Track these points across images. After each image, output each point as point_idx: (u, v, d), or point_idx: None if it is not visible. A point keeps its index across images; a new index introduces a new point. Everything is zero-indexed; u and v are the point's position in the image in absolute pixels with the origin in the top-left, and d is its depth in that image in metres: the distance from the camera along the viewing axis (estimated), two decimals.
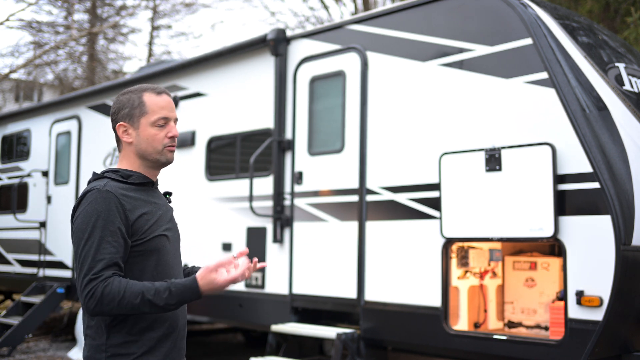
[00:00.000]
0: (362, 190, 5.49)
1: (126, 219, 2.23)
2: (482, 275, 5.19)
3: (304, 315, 5.99)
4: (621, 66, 4.82)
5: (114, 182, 2.29)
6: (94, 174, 2.37)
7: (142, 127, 2.36)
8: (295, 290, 5.93)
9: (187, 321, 2.49)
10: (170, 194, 2.54)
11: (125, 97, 2.39)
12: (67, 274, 8.58)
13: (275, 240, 6.08)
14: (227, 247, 6.55)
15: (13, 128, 10.37)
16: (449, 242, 4.86)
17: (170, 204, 2.50)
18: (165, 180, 7.90)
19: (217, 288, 2.19)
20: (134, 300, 2.12)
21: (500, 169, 4.56)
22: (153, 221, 2.30)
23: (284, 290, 6.03)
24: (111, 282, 2.13)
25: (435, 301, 4.88)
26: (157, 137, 2.37)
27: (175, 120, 2.44)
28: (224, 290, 2.22)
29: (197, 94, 7.16)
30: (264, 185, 6.26)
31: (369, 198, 5.44)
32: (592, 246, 4.16)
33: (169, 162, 2.42)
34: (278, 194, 6.12)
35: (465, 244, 4.99)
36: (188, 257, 2.54)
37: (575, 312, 4.20)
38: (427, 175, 5.05)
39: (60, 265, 8.73)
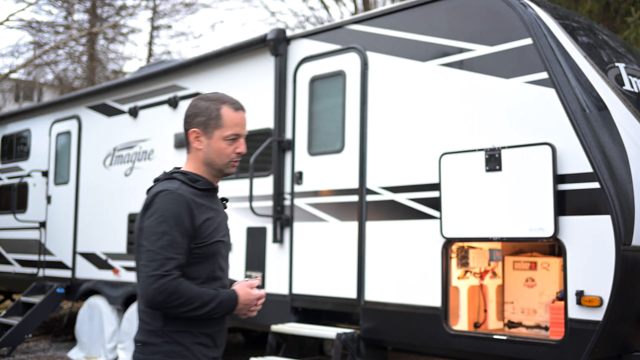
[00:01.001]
0: (362, 190, 5.49)
1: (193, 222, 2.36)
2: (482, 275, 5.19)
3: (304, 315, 5.99)
4: (621, 66, 4.82)
5: (184, 186, 2.41)
6: (164, 173, 2.50)
7: (214, 138, 2.47)
8: (295, 290, 5.93)
9: None
10: (226, 200, 2.65)
11: (204, 104, 2.48)
12: (67, 274, 8.59)
13: (275, 240, 6.08)
14: None
15: (13, 128, 10.36)
16: (449, 242, 4.86)
17: (225, 212, 2.62)
18: None
19: (252, 300, 2.43)
20: (193, 302, 2.29)
21: (500, 169, 4.55)
22: (214, 227, 2.43)
23: (284, 290, 6.03)
24: (181, 282, 2.28)
25: (435, 301, 4.88)
26: (226, 151, 2.47)
27: (245, 136, 2.53)
28: (249, 309, 2.46)
29: (197, 94, 7.15)
30: (264, 185, 6.26)
31: (369, 198, 5.44)
32: (592, 246, 4.16)
33: (230, 174, 2.54)
34: (278, 194, 6.12)
35: (465, 244, 4.99)
36: None
37: (575, 312, 4.20)
38: (427, 175, 5.04)
39: (60, 265, 8.73)
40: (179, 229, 2.31)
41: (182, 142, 7.11)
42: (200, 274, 2.38)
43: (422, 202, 5.06)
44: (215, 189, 2.53)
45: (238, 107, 2.50)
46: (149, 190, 2.50)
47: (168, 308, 2.27)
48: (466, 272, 5.08)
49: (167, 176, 2.47)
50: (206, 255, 2.40)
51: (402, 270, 5.15)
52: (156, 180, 2.51)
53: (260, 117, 6.44)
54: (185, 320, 2.35)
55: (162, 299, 2.25)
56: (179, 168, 2.53)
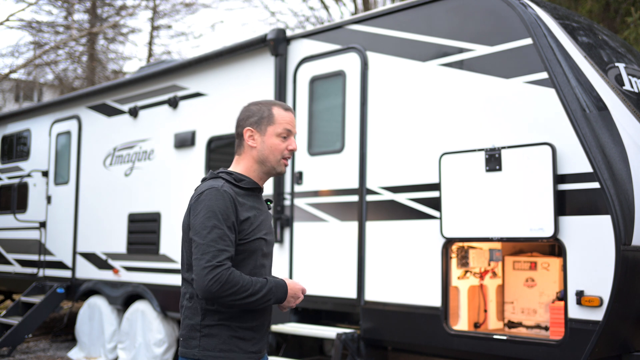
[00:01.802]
0: (362, 190, 5.49)
1: (237, 218, 2.47)
2: (482, 275, 5.19)
3: (304, 315, 5.99)
4: (621, 66, 4.82)
5: (228, 184, 2.53)
6: (211, 172, 2.63)
7: (267, 135, 2.61)
8: None
9: None
10: (271, 201, 2.77)
11: (256, 107, 2.65)
12: (67, 274, 8.59)
13: (275, 240, 6.08)
14: None
15: (13, 128, 10.36)
16: (449, 242, 4.86)
17: (270, 212, 2.73)
18: (165, 181, 7.85)
19: (298, 290, 2.56)
20: (246, 290, 2.38)
21: (500, 169, 4.56)
22: (255, 225, 2.53)
23: None
24: (233, 272, 2.38)
25: (435, 301, 4.88)
26: (279, 147, 2.62)
27: (295, 135, 2.67)
28: (296, 299, 2.57)
29: (197, 94, 7.16)
30: (264, 185, 6.24)
31: (369, 198, 5.44)
32: (592, 246, 4.16)
33: (281, 173, 2.68)
34: (278, 194, 6.12)
35: (465, 244, 4.99)
36: None
37: (575, 312, 4.20)
38: (427, 175, 5.04)
39: (60, 265, 8.73)
40: (226, 223, 2.42)
41: (182, 142, 7.11)
42: (242, 270, 2.47)
43: (422, 202, 5.06)
44: (260, 189, 2.65)
45: (287, 108, 2.66)
46: (196, 189, 2.61)
47: (223, 297, 2.35)
48: (466, 272, 5.08)
49: (213, 175, 2.59)
50: (248, 252, 2.50)
51: (402, 270, 5.15)
52: (203, 180, 2.62)
53: None
54: (224, 315, 2.45)
55: (217, 288, 2.33)
56: (226, 169, 2.65)
